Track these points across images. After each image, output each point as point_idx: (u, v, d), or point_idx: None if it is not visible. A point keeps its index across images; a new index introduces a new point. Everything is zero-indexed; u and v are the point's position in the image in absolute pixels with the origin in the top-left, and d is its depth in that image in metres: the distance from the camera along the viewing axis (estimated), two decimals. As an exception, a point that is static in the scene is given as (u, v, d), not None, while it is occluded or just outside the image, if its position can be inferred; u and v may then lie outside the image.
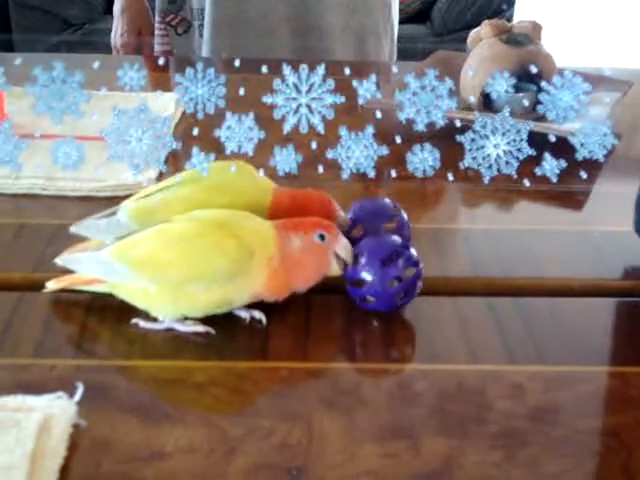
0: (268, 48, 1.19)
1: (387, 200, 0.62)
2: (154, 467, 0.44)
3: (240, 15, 1.21)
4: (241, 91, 0.50)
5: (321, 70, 0.50)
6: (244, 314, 0.56)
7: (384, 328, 0.56)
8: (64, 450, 0.44)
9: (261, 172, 0.54)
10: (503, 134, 0.52)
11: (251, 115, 0.51)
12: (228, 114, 0.51)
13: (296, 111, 0.51)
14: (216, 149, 0.51)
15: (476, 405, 0.50)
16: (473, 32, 0.92)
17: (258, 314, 0.55)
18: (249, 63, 0.51)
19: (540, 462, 0.46)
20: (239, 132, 0.52)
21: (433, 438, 0.47)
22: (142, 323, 0.55)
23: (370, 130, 0.52)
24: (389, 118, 0.52)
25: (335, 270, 0.56)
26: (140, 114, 0.52)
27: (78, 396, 0.47)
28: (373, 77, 0.50)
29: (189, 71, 0.50)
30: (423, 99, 0.51)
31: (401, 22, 1.37)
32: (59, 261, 0.58)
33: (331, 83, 0.50)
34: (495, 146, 0.52)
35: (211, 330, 0.54)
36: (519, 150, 0.52)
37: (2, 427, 0.44)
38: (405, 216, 0.62)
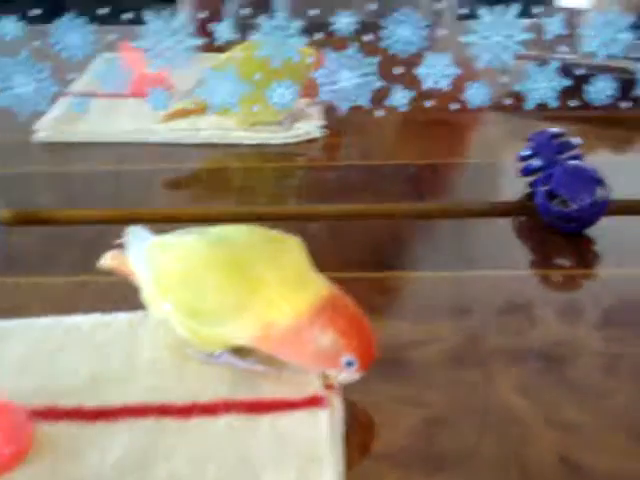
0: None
1: (562, 130, 0.68)
2: (420, 351, 0.49)
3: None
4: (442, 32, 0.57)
5: (514, 10, 0.57)
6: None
7: (570, 243, 0.62)
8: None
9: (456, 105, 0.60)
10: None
11: (449, 54, 0.58)
12: (428, 53, 0.58)
13: (490, 49, 0.57)
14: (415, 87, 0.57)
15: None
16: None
17: None
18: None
19: None
20: (438, 69, 0.59)
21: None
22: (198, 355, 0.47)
23: (555, 64, 0.58)
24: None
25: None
26: (348, 55, 0.59)
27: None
28: (561, 15, 0.56)
29: (395, 15, 0.56)
30: (604, 33, 0.57)
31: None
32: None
33: (522, 21, 0.56)
34: (677, 77, 0.58)
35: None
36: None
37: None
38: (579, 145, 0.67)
